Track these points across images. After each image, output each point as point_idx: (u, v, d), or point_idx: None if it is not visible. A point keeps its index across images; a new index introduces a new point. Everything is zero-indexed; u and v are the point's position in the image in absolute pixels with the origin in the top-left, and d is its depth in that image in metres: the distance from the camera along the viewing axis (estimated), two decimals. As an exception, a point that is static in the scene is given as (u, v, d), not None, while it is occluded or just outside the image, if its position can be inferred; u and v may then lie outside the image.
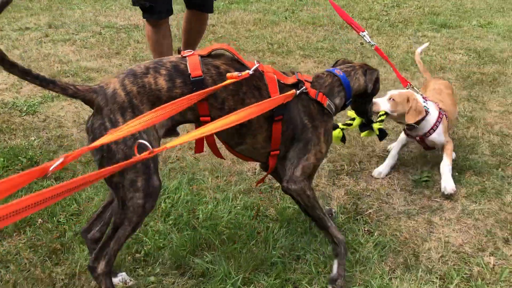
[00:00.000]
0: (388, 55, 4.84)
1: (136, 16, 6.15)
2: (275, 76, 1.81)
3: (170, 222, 2.34)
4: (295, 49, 5.03)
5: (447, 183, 2.53)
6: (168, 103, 1.45)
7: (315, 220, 1.95)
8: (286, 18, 6.39)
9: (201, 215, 2.38)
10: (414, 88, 2.80)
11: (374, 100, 2.44)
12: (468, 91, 3.95)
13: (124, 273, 1.97)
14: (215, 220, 2.34)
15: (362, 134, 2.48)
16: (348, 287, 1.95)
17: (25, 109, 3.51)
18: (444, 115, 2.69)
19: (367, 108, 2.24)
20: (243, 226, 2.29)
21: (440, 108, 2.69)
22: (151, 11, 3.37)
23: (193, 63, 1.67)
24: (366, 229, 2.32)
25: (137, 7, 3.50)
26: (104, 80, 1.65)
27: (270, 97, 1.75)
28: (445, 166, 2.59)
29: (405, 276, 2.02)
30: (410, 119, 2.55)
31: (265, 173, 2.13)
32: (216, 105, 1.71)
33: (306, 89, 1.87)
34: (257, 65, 1.75)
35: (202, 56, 1.72)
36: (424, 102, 2.64)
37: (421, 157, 2.94)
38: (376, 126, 2.42)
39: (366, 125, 2.42)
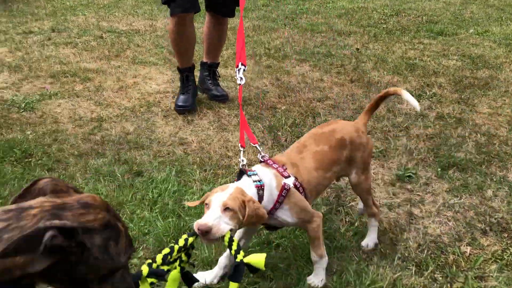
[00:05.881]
0: (383, 60, 4.92)
1: (138, 22, 6.28)
2: None
3: (156, 210, 2.40)
4: (291, 53, 5.11)
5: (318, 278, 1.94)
6: None
7: None
8: (285, 25, 6.49)
9: (187, 205, 2.45)
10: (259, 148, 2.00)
11: (205, 221, 1.60)
12: (459, 94, 4.01)
13: None
14: (200, 209, 2.40)
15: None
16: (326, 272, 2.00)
17: (23, 105, 3.60)
18: (292, 187, 1.83)
19: None
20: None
21: (287, 177, 1.85)
22: (175, 3, 3.31)
23: None
24: (347, 220, 2.37)
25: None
26: None
27: None
28: (318, 262, 1.93)
29: (381, 263, 2.06)
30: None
31: None
32: None
33: None
34: None
35: None
36: (254, 174, 1.83)
37: (407, 154, 2.99)
38: (246, 258, 1.59)
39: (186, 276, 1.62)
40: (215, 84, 3.87)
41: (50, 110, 3.57)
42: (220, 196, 1.67)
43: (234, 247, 1.60)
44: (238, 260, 1.56)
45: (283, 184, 1.82)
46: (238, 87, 2.11)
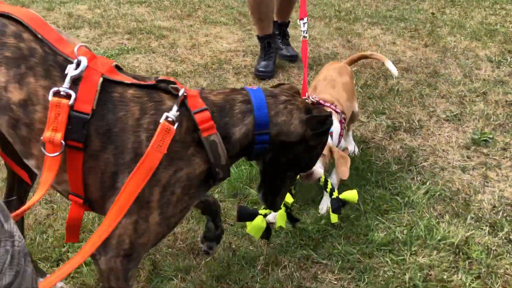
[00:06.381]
0: (460, 25, 4.69)
1: (209, -17, 6.35)
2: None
3: (229, 159, 2.50)
4: (362, 16, 4.99)
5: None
6: None
7: None
8: (356, -12, 6.31)
9: (258, 155, 2.53)
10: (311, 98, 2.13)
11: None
12: (544, 62, 3.77)
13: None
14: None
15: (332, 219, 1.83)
16: (394, 226, 2.02)
17: (104, 58, 3.80)
18: (343, 120, 2.15)
19: (282, 184, 1.44)
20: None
21: (338, 113, 2.12)
22: None
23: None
24: (418, 179, 2.36)
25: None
26: None
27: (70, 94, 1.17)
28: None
29: (453, 221, 2.05)
30: (345, 174, 1.93)
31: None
32: None
33: (178, 89, 1.24)
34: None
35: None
36: None
37: (483, 118, 2.89)
38: (341, 195, 1.85)
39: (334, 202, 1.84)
40: (285, 44, 3.87)
41: (129, 64, 3.74)
42: None
43: (329, 186, 1.87)
44: (334, 196, 1.83)
45: (339, 120, 2.11)
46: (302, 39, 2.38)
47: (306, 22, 2.38)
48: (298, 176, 1.67)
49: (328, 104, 2.10)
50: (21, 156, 1.25)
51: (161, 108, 1.21)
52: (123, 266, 1.16)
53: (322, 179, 1.89)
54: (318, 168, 1.85)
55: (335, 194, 1.83)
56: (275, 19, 3.91)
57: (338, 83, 2.28)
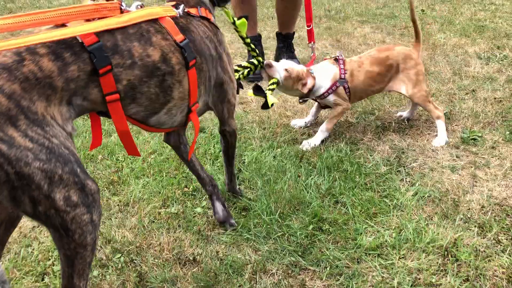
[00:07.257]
0: (450, 22, 4.69)
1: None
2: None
3: (218, 164, 2.48)
4: (352, 15, 4.99)
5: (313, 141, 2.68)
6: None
7: (230, 158, 2.11)
8: (346, -14, 6.30)
9: (246, 160, 2.51)
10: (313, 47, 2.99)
11: (273, 62, 2.53)
12: (533, 57, 3.77)
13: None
14: (259, 164, 2.45)
15: (249, 93, 2.48)
16: (383, 229, 2.01)
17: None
18: (341, 87, 2.65)
19: None
20: (286, 170, 2.39)
21: (342, 79, 2.64)
22: None
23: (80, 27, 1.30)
24: (407, 180, 2.35)
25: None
26: None
27: (171, 34, 1.53)
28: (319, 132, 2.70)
29: (442, 222, 2.04)
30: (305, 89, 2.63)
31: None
32: (124, 62, 1.38)
33: (184, 7, 1.66)
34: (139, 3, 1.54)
35: None
36: (311, 70, 2.66)
37: (472, 117, 2.88)
38: (268, 93, 2.36)
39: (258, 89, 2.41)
40: (290, 57, 3.69)
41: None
42: (288, 62, 2.65)
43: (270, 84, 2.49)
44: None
45: (335, 82, 2.65)
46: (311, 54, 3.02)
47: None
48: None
49: (342, 67, 2.66)
50: (150, 112, 1.52)
51: (200, 23, 1.70)
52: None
53: (274, 80, 2.51)
54: (277, 72, 2.54)
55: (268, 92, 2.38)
56: (279, 30, 3.78)
57: (365, 68, 2.69)
